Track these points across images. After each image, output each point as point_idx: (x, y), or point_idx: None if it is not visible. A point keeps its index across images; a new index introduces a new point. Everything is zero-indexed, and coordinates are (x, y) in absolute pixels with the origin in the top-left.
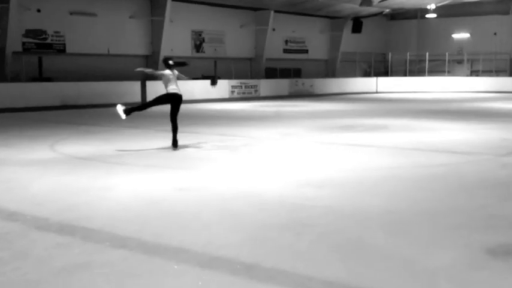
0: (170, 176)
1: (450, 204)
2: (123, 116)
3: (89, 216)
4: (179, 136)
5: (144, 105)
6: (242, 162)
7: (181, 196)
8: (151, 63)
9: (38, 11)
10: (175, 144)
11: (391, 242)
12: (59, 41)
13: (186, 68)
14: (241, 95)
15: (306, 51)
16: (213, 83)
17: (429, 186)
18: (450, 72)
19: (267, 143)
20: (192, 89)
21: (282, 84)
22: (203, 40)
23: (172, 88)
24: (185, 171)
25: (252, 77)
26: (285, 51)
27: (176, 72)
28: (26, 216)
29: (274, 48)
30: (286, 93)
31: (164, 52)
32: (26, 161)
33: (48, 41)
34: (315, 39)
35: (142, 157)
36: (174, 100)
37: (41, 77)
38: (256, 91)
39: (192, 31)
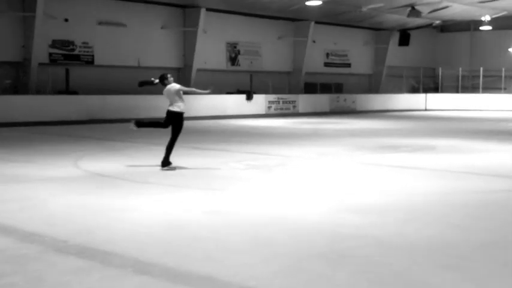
0: (197, 197)
1: (511, 236)
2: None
3: (110, 239)
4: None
5: (171, 144)
6: (276, 183)
7: (209, 220)
8: (183, 77)
9: (66, 20)
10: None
11: (443, 278)
12: (87, 52)
13: (219, 81)
14: (278, 111)
15: (349, 65)
16: (249, 98)
17: (487, 214)
18: (507, 89)
19: (303, 163)
20: (226, 104)
21: (322, 100)
22: (238, 52)
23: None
24: (214, 193)
25: (290, 92)
26: (326, 64)
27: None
28: (43, 237)
29: (314, 62)
30: (326, 109)
31: (197, 65)
32: (46, 178)
33: (76, 52)
34: (358, 52)
35: (169, 176)
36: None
37: (67, 89)
38: (294, 107)
39: (227, 43)
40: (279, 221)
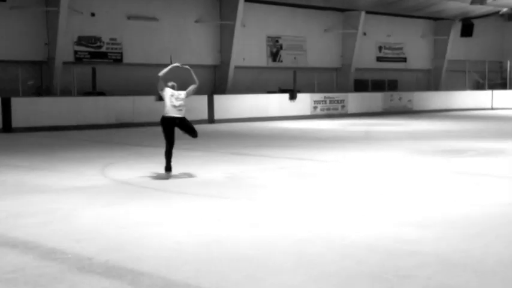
0: (236, 210)
1: None
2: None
3: (140, 257)
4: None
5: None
6: (323, 193)
7: (248, 235)
8: (220, 75)
9: (92, 15)
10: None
11: None
12: (116, 49)
13: (260, 79)
14: (325, 112)
15: (404, 60)
16: (292, 97)
17: None
18: None
19: (354, 170)
20: (267, 104)
21: (375, 99)
22: (280, 47)
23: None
24: (254, 204)
25: (338, 91)
26: (379, 59)
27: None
28: (66, 254)
29: (365, 56)
30: (379, 109)
31: (235, 62)
32: (70, 188)
33: (103, 49)
34: (414, 45)
35: (204, 185)
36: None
37: (94, 90)
38: (343, 107)
39: (268, 37)
40: (327, 236)
